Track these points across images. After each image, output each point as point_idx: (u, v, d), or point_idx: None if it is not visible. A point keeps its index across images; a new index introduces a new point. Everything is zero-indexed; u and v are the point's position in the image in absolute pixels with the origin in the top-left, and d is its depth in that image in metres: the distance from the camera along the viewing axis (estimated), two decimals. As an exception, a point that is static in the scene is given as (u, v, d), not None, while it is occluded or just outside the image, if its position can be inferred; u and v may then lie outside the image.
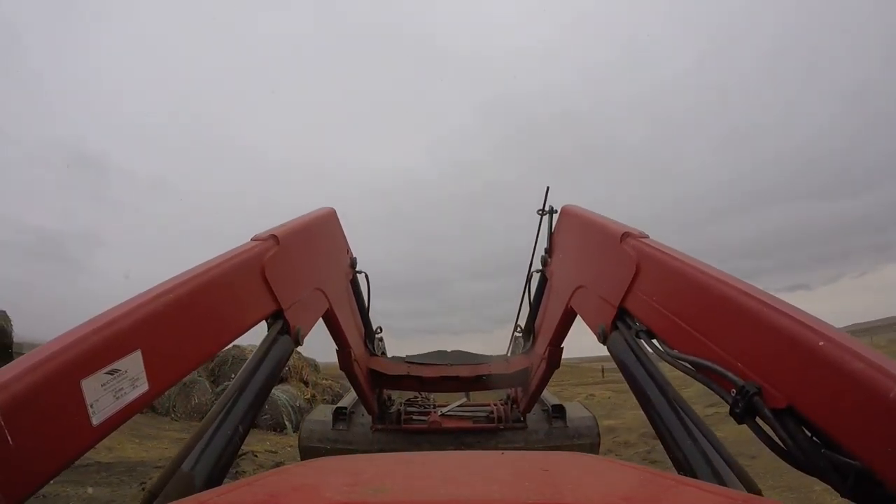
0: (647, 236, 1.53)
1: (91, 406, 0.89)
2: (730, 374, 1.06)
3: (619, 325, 1.56)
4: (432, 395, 4.96)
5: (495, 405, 4.47)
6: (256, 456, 7.59)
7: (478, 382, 3.62)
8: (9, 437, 0.75)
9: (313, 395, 13.27)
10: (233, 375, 11.42)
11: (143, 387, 1.01)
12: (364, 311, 3.17)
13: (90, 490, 5.21)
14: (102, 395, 0.92)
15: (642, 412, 1.40)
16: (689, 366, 1.20)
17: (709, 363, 1.12)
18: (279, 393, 12.23)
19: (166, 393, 12.57)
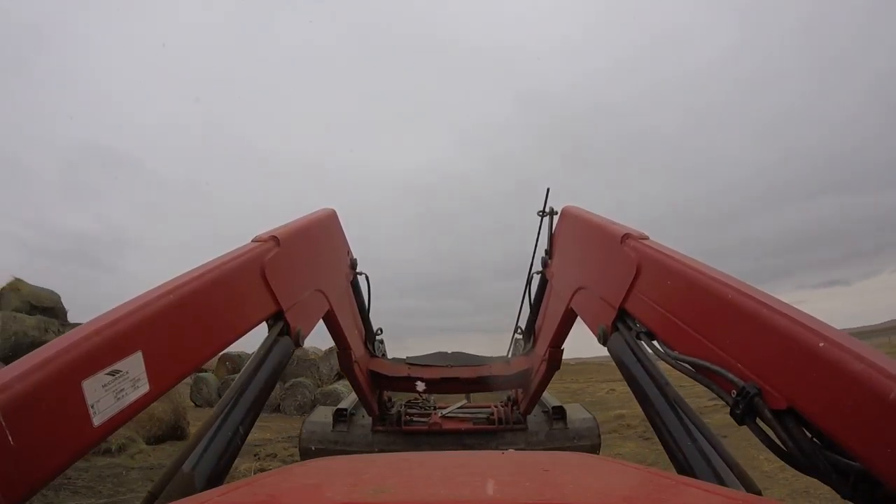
0: (647, 237, 1.53)
1: (92, 407, 0.89)
2: (730, 376, 1.06)
3: (619, 327, 1.56)
4: (433, 397, 4.95)
5: (496, 406, 4.47)
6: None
7: (478, 384, 3.62)
8: (10, 438, 0.75)
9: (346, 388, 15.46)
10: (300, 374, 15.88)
11: (144, 387, 1.01)
12: (365, 313, 3.17)
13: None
14: (103, 395, 0.92)
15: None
16: (689, 367, 1.20)
17: (709, 364, 1.12)
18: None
19: (274, 393, 13.98)
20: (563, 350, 2.76)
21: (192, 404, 15.52)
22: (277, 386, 15.32)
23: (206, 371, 17.02)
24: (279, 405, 15.40)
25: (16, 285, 11.11)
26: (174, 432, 8.82)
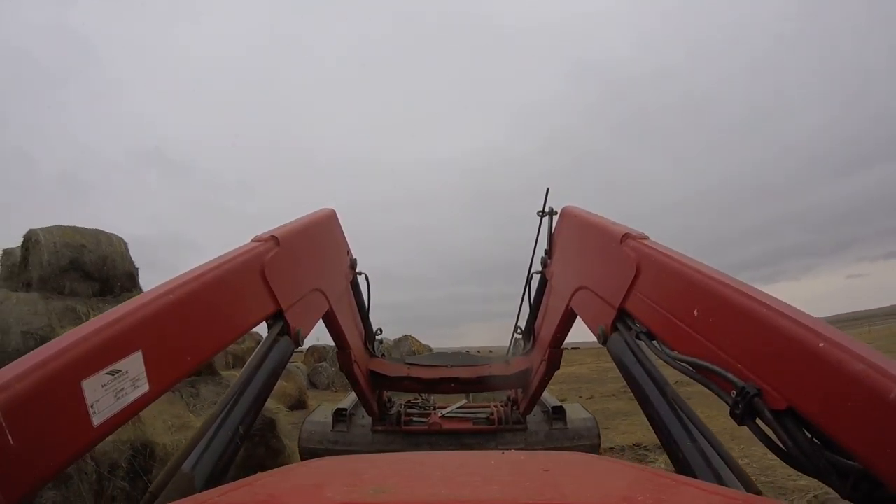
0: (647, 237, 1.53)
1: (92, 406, 0.89)
2: (729, 376, 1.06)
3: (619, 327, 1.56)
4: (433, 397, 4.96)
5: (495, 407, 4.48)
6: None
7: (478, 384, 3.62)
8: (9, 437, 0.75)
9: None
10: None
11: (144, 387, 1.01)
12: (364, 313, 3.17)
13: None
14: (103, 395, 0.92)
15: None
16: (688, 367, 1.20)
17: (708, 364, 1.12)
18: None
19: (324, 373, 16.73)
20: (563, 350, 2.76)
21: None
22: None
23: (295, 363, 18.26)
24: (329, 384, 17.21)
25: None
26: (300, 403, 12.17)
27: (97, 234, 6.42)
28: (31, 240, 5.94)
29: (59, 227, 6.10)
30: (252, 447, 6.07)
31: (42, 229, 5.95)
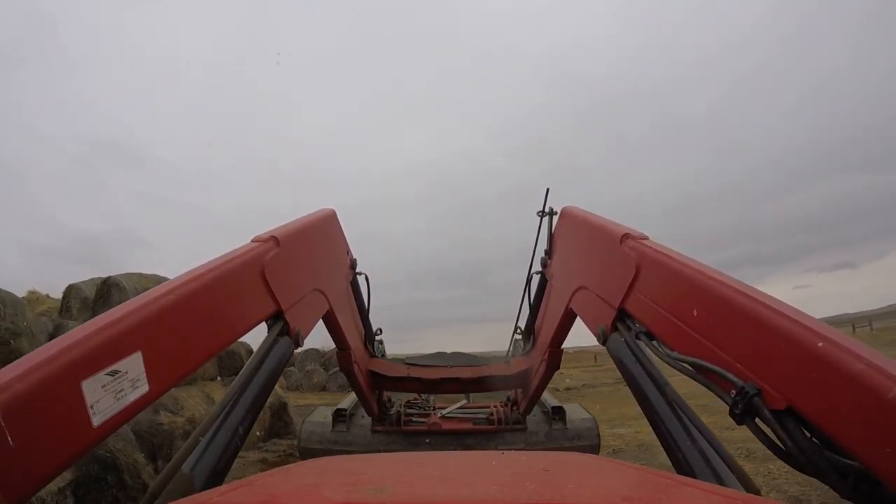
0: (646, 237, 1.53)
1: (91, 407, 0.89)
2: (729, 376, 1.06)
3: (618, 327, 1.56)
4: (432, 397, 4.96)
5: (495, 407, 4.48)
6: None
7: (478, 384, 3.62)
8: (9, 438, 0.75)
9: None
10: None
11: (144, 388, 1.01)
12: (364, 313, 3.17)
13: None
14: (103, 396, 0.92)
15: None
16: (688, 367, 1.20)
17: (708, 364, 1.12)
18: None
19: (293, 377, 19.24)
20: (562, 350, 2.76)
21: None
22: (322, 372, 20.13)
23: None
24: (325, 386, 19.61)
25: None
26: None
27: (160, 280, 8.03)
28: (114, 284, 7.77)
29: (131, 273, 8.18)
30: (273, 420, 8.69)
31: (121, 275, 7.92)
